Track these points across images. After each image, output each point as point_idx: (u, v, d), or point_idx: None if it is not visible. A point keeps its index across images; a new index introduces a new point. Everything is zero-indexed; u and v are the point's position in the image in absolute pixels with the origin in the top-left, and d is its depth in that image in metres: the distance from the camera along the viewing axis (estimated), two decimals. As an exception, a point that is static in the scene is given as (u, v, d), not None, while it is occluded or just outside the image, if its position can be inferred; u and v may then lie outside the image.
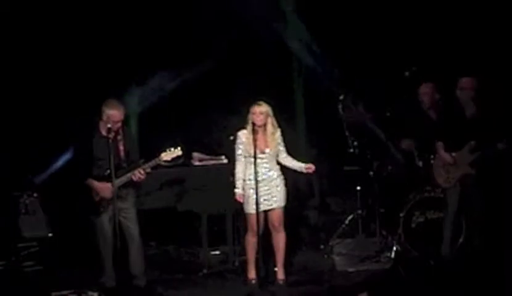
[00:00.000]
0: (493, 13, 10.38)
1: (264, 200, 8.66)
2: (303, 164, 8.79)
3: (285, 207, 8.83)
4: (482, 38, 10.44)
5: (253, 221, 8.69)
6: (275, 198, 8.73)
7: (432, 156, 9.29)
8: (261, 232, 8.69)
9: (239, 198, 8.74)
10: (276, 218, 8.77)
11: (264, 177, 8.65)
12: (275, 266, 8.93)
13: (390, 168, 10.09)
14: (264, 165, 8.69)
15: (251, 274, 8.88)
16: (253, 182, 8.60)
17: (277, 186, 8.74)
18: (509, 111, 8.97)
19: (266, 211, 8.74)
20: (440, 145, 9.02)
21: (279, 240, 8.83)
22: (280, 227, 8.81)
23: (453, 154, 8.93)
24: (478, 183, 8.87)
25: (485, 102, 8.89)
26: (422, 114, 9.68)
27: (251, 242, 8.80)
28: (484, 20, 10.42)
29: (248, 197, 8.72)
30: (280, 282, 8.85)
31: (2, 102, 10.41)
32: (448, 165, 8.94)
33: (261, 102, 8.72)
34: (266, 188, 8.66)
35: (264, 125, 8.69)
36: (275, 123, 8.76)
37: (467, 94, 8.86)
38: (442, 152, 8.99)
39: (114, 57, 10.74)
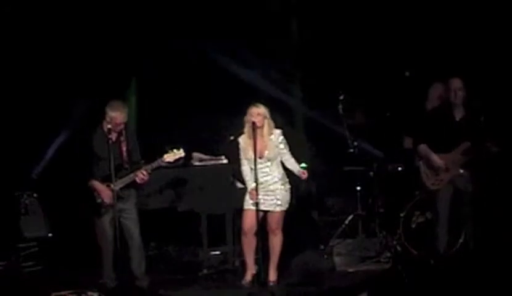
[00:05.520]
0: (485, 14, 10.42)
1: (261, 203, 8.62)
2: (297, 170, 8.74)
3: (285, 210, 8.79)
4: (475, 39, 10.47)
5: (244, 217, 8.73)
6: (272, 202, 8.69)
7: None
8: (253, 231, 8.68)
9: (251, 194, 8.65)
10: (273, 221, 8.74)
11: (261, 180, 8.61)
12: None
13: (390, 167, 10.10)
14: (263, 169, 8.65)
15: (247, 275, 8.89)
16: (251, 184, 8.64)
17: (275, 190, 8.70)
18: (497, 112, 8.95)
19: (262, 213, 8.70)
20: (425, 147, 9.00)
21: (275, 242, 8.81)
22: (277, 230, 8.78)
23: (444, 156, 8.88)
24: (472, 184, 8.85)
25: (473, 103, 8.87)
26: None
27: (243, 240, 8.82)
28: (475, 20, 10.45)
29: (246, 194, 8.76)
30: (271, 283, 8.82)
31: (2, 101, 10.41)
32: (440, 168, 8.92)
33: (257, 104, 8.70)
34: (263, 191, 8.63)
35: (262, 127, 8.67)
36: (272, 125, 8.74)
37: (461, 95, 8.84)
38: (433, 156, 8.91)
39: (116, 56, 10.75)
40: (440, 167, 8.85)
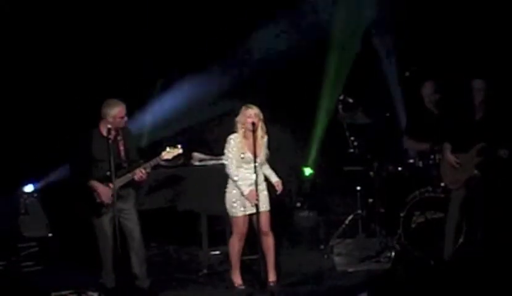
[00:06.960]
0: (496, 14, 10.40)
1: (252, 205, 8.60)
2: (275, 180, 8.75)
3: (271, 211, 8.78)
4: (485, 39, 10.45)
5: (240, 224, 8.66)
6: (261, 202, 8.63)
7: (432, 157, 9.32)
8: (245, 235, 8.69)
9: (252, 195, 8.59)
10: (264, 221, 8.69)
11: (252, 182, 8.58)
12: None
13: (390, 167, 10.10)
14: (254, 170, 8.60)
15: (238, 279, 8.86)
16: (242, 185, 8.59)
17: (263, 190, 8.68)
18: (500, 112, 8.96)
19: (251, 215, 8.68)
20: (447, 146, 9.00)
21: (270, 243, 8.76)
22: (268, 231, 8.75)
23: (461, 155, 8.90)
24: (483, 185, 8.85)
25: (494, 104, 8.88)
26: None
27: (237, 245, 8.75)
28: (487, 20, 10.44)
29: (236, 199, 8.68)
30: (272, 284, 8.80)
31: (2, 102, 10.42)
32: (455, 167, 8.93)
33: (252, 105, 8.67)
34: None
35: (257, 128, 8.61)
36: (264, 127, 8.71)
37: (482, 96, 8.84)
38: (448, 154, 8.96)
39: (115, 57, 10.75)
40: (454, 166, 8.89)
